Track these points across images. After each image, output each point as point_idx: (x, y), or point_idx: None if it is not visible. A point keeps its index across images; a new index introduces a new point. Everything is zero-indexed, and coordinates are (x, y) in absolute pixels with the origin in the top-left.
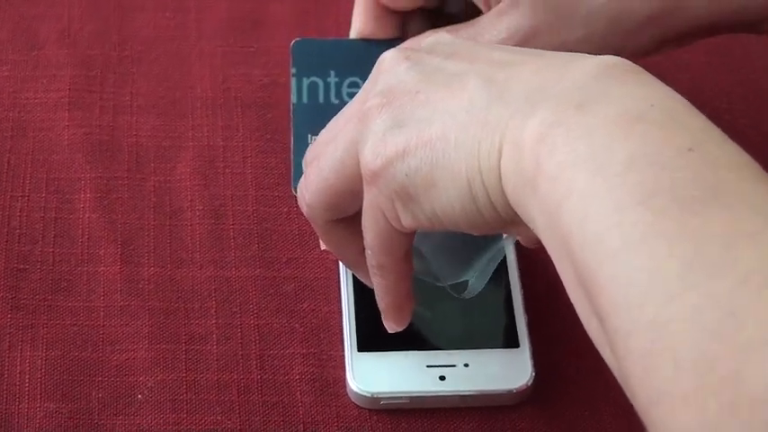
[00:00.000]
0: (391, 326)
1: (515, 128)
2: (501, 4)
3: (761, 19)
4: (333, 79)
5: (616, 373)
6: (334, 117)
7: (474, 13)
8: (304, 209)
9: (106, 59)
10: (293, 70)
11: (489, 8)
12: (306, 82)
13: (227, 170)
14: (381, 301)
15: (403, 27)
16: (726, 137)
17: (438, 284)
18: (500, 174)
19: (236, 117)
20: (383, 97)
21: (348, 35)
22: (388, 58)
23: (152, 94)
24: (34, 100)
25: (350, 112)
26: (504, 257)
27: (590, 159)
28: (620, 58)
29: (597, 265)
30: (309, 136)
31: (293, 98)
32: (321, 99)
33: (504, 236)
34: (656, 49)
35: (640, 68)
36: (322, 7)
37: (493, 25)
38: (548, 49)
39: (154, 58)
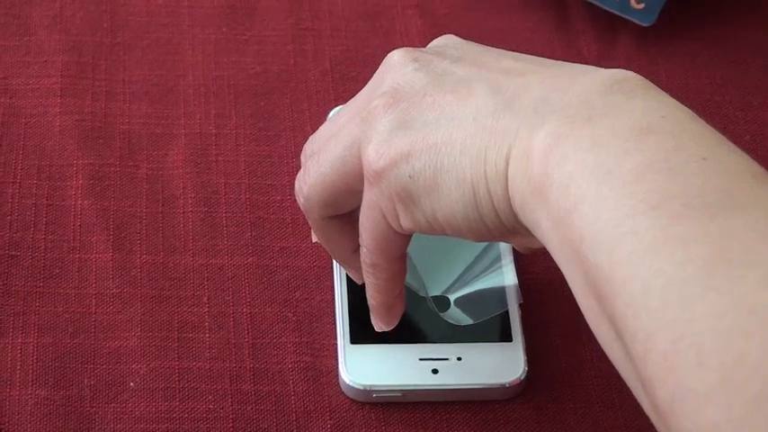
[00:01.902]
0: (379, 325)
1: (524, 137)
2: None
3: None
4: None
5: (627, 375)
6: (337, 113)
7: None
8: (301, 201)
9: (98, 46)
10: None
11: None
12: None
13: (219, 158)
14: (372, 299)
15: None
16: (736, 148)
17: (420, 295)
18: (506, 181)
19: (228, 105)
20: (389, 97)
21: (345, 26)
22: (395, 57)
23: (144, 81)
24: (26, 86)
25: (354, 109)
26: (499, 256)
27: (600, 168)
28: (630, 72)
29: (611, 270)
30: None
31: None
32: None
33: (503, 261)
34: None
35: (649, 83)
36: None
37: None
38: None
39: (146, 45)
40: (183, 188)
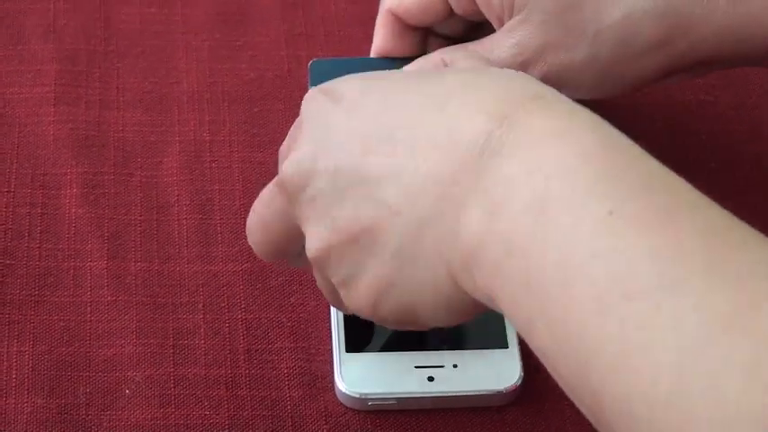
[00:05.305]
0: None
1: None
2: (512, 20)
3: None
4: None
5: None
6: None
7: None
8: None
9: (92, 54)
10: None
11: (502, 25)
12: None
13: (213, 165)
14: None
15: (423, 44)
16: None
17: None
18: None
19: (222, 111)
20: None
21: (339, 31)
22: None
23: (138, 89)
24: (19, 95)
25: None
26: None
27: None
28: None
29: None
30: None
31: None
32: None
33: None
34: (661, 78)
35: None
36: (309, 1)
37: (504, 41)
38: (555, 67)
39: (140, 53)
40: (178, 195)
